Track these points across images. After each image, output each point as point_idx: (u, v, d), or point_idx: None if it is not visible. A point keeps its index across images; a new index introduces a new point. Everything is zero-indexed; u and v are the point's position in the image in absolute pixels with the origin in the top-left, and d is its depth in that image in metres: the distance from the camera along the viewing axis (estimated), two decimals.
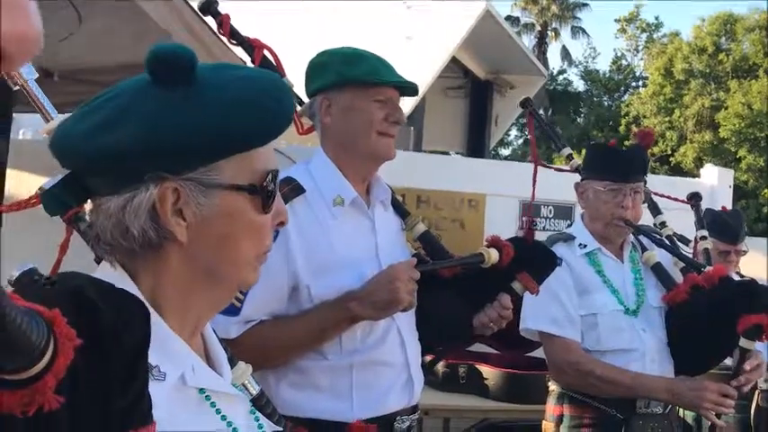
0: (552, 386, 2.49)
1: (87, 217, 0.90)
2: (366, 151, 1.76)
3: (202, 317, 0.92)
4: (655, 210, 2.82)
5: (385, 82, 1.74)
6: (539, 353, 3.29)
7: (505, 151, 26.69)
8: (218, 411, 0.87)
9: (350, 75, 1.73)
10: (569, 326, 2.33)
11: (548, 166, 2.97)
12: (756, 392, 2.95)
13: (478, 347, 3.11)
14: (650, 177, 2.87)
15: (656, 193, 2.88)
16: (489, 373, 3.70)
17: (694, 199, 3.06)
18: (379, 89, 1.74)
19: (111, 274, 0.87)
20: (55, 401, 0.54)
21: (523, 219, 4.64)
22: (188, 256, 0.87)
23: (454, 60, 9.07)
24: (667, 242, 2.50)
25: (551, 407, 2.45)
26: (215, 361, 0.95)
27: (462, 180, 4.53)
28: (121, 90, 0.87)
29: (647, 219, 2.99)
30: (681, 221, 3.28)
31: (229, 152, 0.86)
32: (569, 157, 2.64)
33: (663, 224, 2.76)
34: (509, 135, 25.65)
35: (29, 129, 5.92)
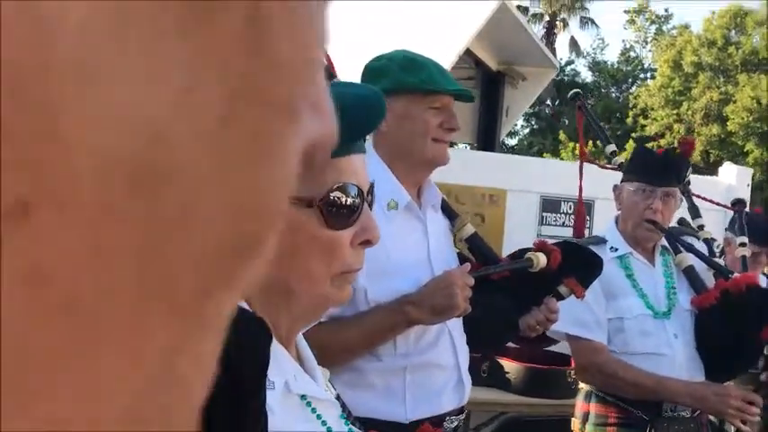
0: (582, 384, 2.53)
1: None
2: (421, 157, 1.79)
3: (292, 329, 0.91)
4: (694, 212, 2.84)
5: (442, 90, 1.76)
6: (559, 348, 3.34)
7: (512, 141, 26.65)
8: (318, 417, 0.89)
9: (407, 82, 1.74)
10: (596, 328, 2.37)
11: (594, 162, 2.97)
12: None
13: None
14: None
15: (698, 196, 2.89)
16: (511, 367, 3.73)
17: (738, 205, 3.09)
18: (436, 96, 1.76)
19: None
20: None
21: (544, 215, 4.67)
22: None
23: (467, 51, 9.03)
24: (697, 247, 2.53)
25: (579, 404, 2.50)
26: (307, 367, 0.96)
27: (484, 175, 4.55)
28: None
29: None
30: (704, 220, 3.30)
31: None
32: (613, 154, 2.64)
33: (701, 227, 2.79)
34: (516, 125, 25.61)
35: None
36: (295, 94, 0.19)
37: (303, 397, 0.89)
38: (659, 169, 2.41)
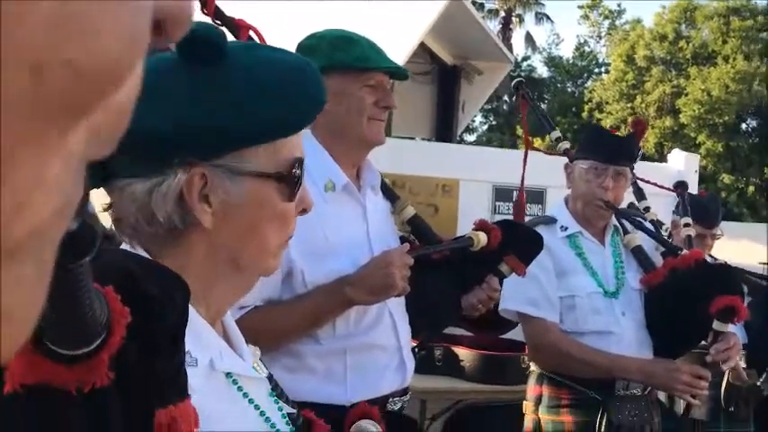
0: (532, 366, 2.53)
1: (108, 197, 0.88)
2: (357, 137, 1.76)
3: (224, 304, 0.92)
4: (639, 195, 2.88)
5: (375, 67, 1.74)
6: (513, 334, 3.34)
7: (470, 137, 26.81)
8: (245, 395, 0.88)
9: (339, 59, 1.72)
10: (548, 307, 2.37)
11: (539, 150, 2.99)
12: (727, 370, 3.03)
13: (453, 330, 3.15)
14: None
15: (642, 179, 2.93)
16: (465, 354, 3.73)
17: (681, 187, 3.15)
18: (370, 74, 1.74)
19: None
20: (106, 377, 0.54)
21: (497, 203, 4.69)
22: (212, 243, 0.86)
23: (422, 46, 9.06)
24: (648, 226, 2.55)
25: (531, 387, 2.49)
26: (235, 345, 0.95)
27: (437, 165, 4.55)
28: (150, 67, 0.84)
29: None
30: (653, 206, 3.36)
31: (261, 140, 0.85)
32: (558, 140, 2.64)
33: (646, 209, 2.82)
34: (474, 121, 25.78)
35: None
36: None
37: (229, 375, 0.88)
38: (611, 148, 2.42)
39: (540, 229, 2.38)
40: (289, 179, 0.88)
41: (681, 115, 21.21)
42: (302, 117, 0.89)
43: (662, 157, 18.56)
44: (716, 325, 2.33)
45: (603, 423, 2.30)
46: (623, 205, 2.83)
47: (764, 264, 5.15)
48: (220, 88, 0.82)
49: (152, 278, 0.62)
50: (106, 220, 0.92)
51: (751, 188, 21.08)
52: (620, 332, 2.37)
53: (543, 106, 28.12)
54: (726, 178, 20.63)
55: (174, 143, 0.81)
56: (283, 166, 0.87)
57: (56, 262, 0.43)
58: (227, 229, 0.86)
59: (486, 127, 28.28)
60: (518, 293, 2.32)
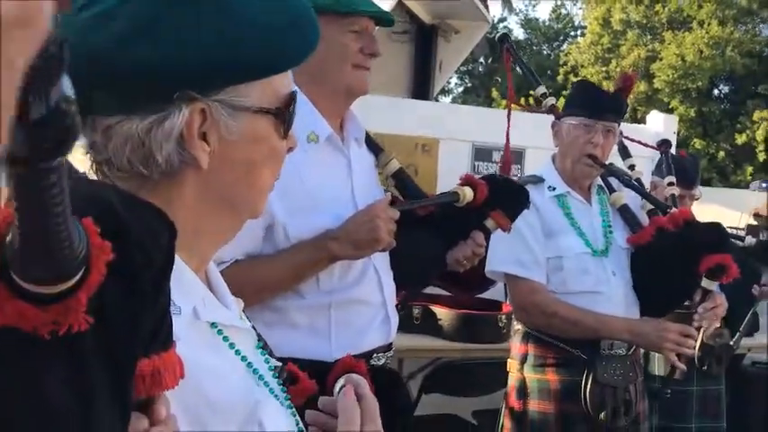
0: (518, 325, 2.51)
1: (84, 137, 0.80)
2: (341, 85, 1.70)
3: (208, 251, 0.88)
4: (624, 153, 2.87)
5: (360, 11, 1.68)
6: (490, 294, 3.33)
7: (446, 99, 26.66)
8: (231, 346, 0.84)
9: (323, 3, 1.65)
10: (535, 268, 2.35)
11: (524, 107, 2.95)
12: (701, 330, 3.06)
13: (432, 289, 3.14)
14: None
15: (627, 137, 2.91)
16: (443, 313, 3.74)
17: (664, 145, 3.14)
18: (355, 19, 1.67)
19: None
20: (84, 322, 0.48)
21: (476, 163, 4.65)
22: (205, 184, 0.81)
23: (400, 5, 8.92)
24: (636, 183, 2.54)
25: (516, 345, 2.48)
26: (218, 295, 0.90)
27: (415, 124, 4.48)
28: None
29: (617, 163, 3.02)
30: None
31: (261, 74, 0.81)
32: (543, 96, 2.58)
33: (631, 167, 2.81)
34: (449, 83, 25.62)
35: None
36: None
37: (214, 325, 0.84)
38: (600, 103, 2.39)
39: (528, 189, 2.34)
40: (285, 115, 0.84)
41: (655, 80, 21.27)
42: (301, 49, 0.85)
43: (635, 122, 18.63)
44: (705, 283, 2.34)
45: (589, 382, 2.31)
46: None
47: (734, 228, 5.20)
48: (219, 18, 0.77)
49: (135, 213, 0.57)
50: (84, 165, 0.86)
51: (721, 153, 21.32)
52: (609, 292, 2.36)
53: (518, 70, 27.83)
54: (697, 143, 20.83)
55: (174, 76, 0.76)
56: (281, 102, 0.84)
57: (23, 160, 0.37)
58: (223, 169, 0.81)
59: (461, 89, 28.14)
60: (505, 254, 2.31)
